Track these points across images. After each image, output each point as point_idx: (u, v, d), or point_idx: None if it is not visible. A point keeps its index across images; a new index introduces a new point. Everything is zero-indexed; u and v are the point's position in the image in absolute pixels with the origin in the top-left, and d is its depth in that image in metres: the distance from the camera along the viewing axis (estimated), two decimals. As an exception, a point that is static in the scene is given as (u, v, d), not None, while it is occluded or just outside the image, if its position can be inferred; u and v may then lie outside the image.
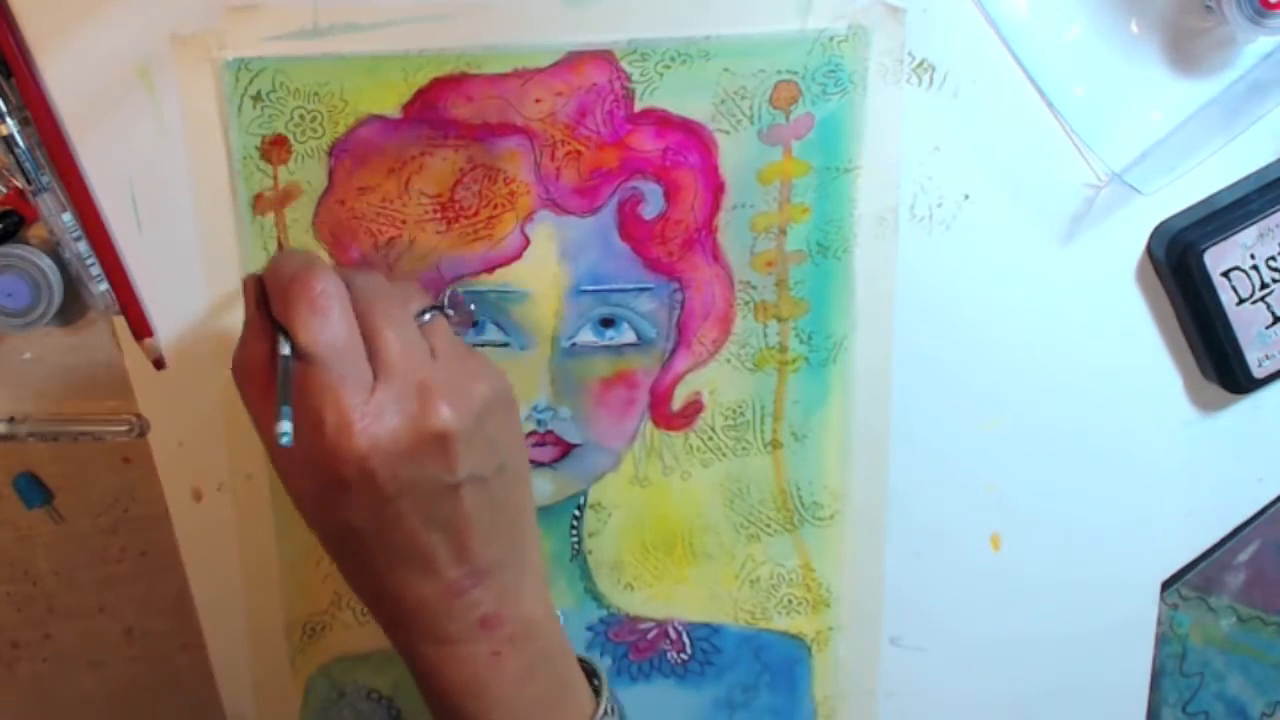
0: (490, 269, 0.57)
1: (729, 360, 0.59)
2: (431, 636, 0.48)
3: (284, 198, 0.56)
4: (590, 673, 0.53)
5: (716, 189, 0.56)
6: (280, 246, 0.56)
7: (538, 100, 0.55)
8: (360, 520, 0.45)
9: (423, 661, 0.48)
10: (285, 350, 0.44)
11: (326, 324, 0.44)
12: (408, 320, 0.47)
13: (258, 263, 0.56)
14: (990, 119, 0.56)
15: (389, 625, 0.49)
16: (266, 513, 0.60)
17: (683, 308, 0.58)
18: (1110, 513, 0.62)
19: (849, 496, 0.61)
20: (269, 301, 0.46)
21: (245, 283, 0.48)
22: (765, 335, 0.59)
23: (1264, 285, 0.57)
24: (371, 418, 0.44)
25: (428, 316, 0.48)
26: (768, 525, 0.61)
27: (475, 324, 0.55)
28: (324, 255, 0.56)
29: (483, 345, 0.58)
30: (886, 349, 0.59)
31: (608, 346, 0.58)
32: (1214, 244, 0.56)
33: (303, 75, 0.54)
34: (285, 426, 0.42)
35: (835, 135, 0.56)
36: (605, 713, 0.52)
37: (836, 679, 0.64)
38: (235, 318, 0.57)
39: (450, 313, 0.51)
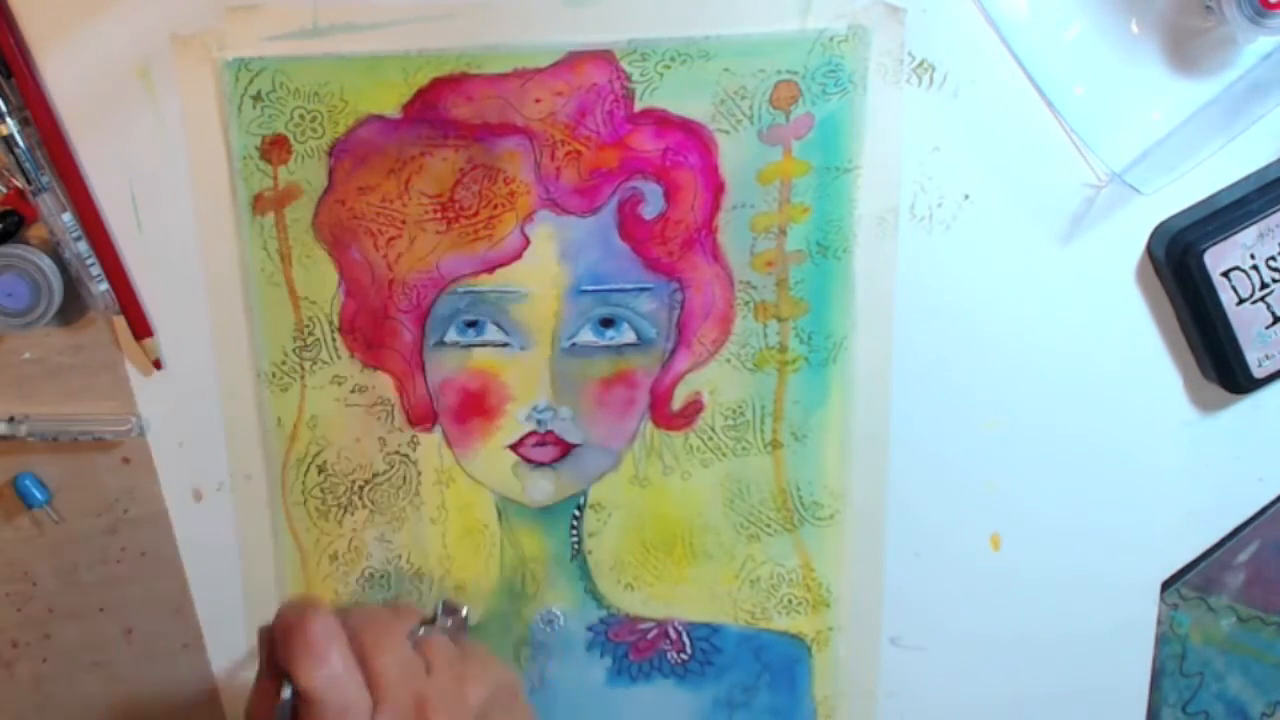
0: (490, 269, 0.57)
1: (729, 360, 0.59)
2: None
3: (284, 198, 0.56)
4: None
5: (716, 189, 0.56)
6: (281, 247, 0.56)
7: (538, 100, 0.55)
8: None
9: None
10: (286, 694, 0.47)
11: (323, 663, 0.47)
12: (401, 643, 0.49)
13: (257, 262, 0.57)
14: (990, 119, 0.56)
15: None
16: (266, 513, 0.60)
17: (683, 308, 0.58)
18: (1110, 513, 0.62)
19: (849, 496, 0.61)
20: (275, 654, 0.49)
21: (259, 633, 0.51)
22: (765, 335, 0.59)
23: (1264, 285, 0.57)
24: None
25: (422, 632, 0.51)
26: (768, 525, 0.61)
27: (466, 627, 0.58)
28: (324, 257, 0.56)
29: (483, 345, 0.58)
30: (886, 349, 0.59)
31: (608, 346, 0.58)
32: (1214, 244, 0.56)
33: (303, 75, 0.54)
34: None
35: (835, 135, 0.56)
36: None
37: (836, 679, 0.64)
38: (236, 317, 0.57)
39: (448, 622, 0.54)
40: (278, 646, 0.48)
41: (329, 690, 0.46)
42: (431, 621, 0.53)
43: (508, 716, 0.51)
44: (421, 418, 0.59)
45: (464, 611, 0.57)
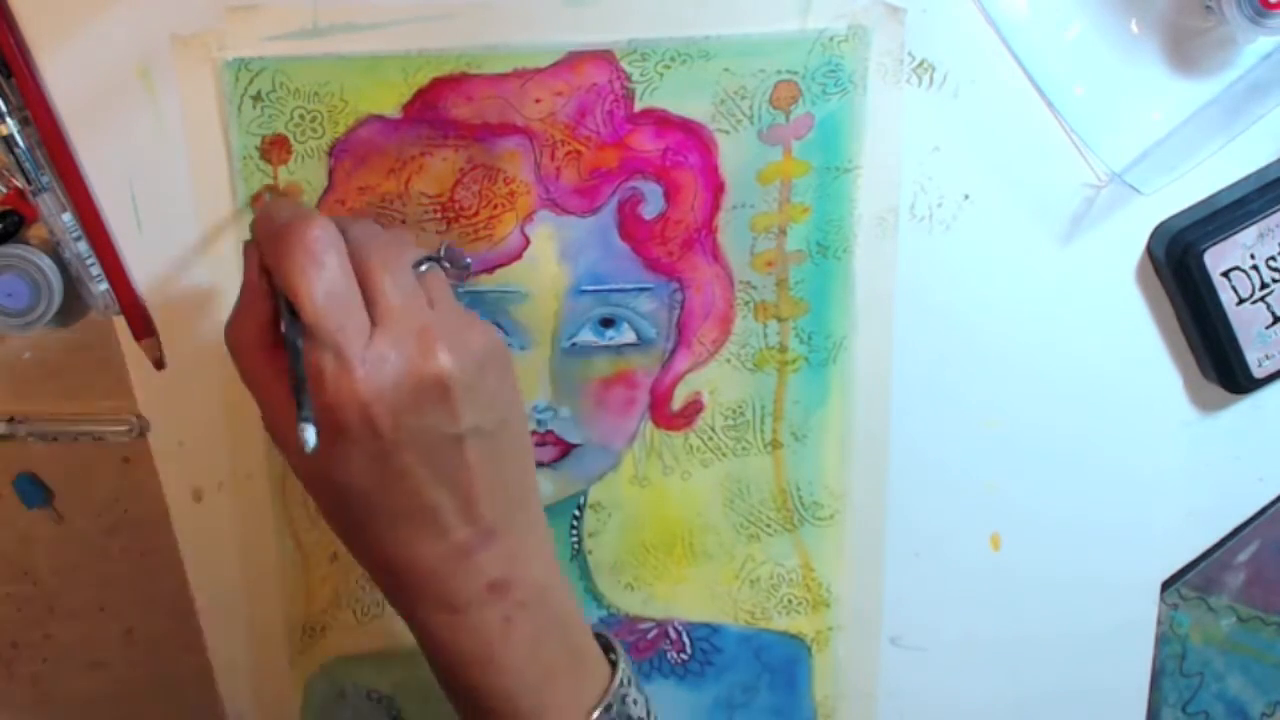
0: (490, 269, 0.57)
1: (729, 360, 0.59)
2: (439, 603, 0.46)
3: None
4: (607, 646, 0.51)
5: (716, 189, 0.56)
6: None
7: (538, 100, 0.55)
8: (362, 476, 0.44)
9: (430, 630, 0.46)
10: (293, 333, 0.42)
11: (324, 271, 0.42)
12: (405, 268, 0.45)
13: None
14: (990, 119, 0.56)
15: (393, 592, 0.47)
16: (266, 513, 0.60)
17: (683, 308, 0.58)
18: (1110, 513, 0.62)
19: (849, 496, 0.61)
20: (264, 256, 0.45)
21: (246, 248, 0.46)
22: (765, 335, 0.59)
23: (1264, 285, 0.58)
24: (372, 365, 0.42)
25: (424, 267, 0.47)
26: (768, 525, 0.61)
27: (470, 275, 0.53)
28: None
29: (483, 345, 0.58)
30: (886, 349, 0.59)
31: (608, 346, 0.58)
32: (1214, 244, 0.56)
33: (303, 75, 0.54)
34: (309, 433, 0.41)
35: (835, 135, 0.56)
36: (621, 684, 0.49)
37: (836, 679, 0.64)
38: (235, 318, 0.57)
39: (447, 265, 0.48)
40: (270, 247, 0.43)
41: (326, 303, 0.42)
42: (436, 260, 0.48)
43: (504, 376, 0.47)
44: (421, 418, 0.59)
45: (468, 261, 0.52)
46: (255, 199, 0.55)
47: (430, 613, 0.46)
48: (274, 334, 0.45)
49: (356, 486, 0.44)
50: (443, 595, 0.46)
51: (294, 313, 0.43)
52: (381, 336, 0.43)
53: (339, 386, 0.42)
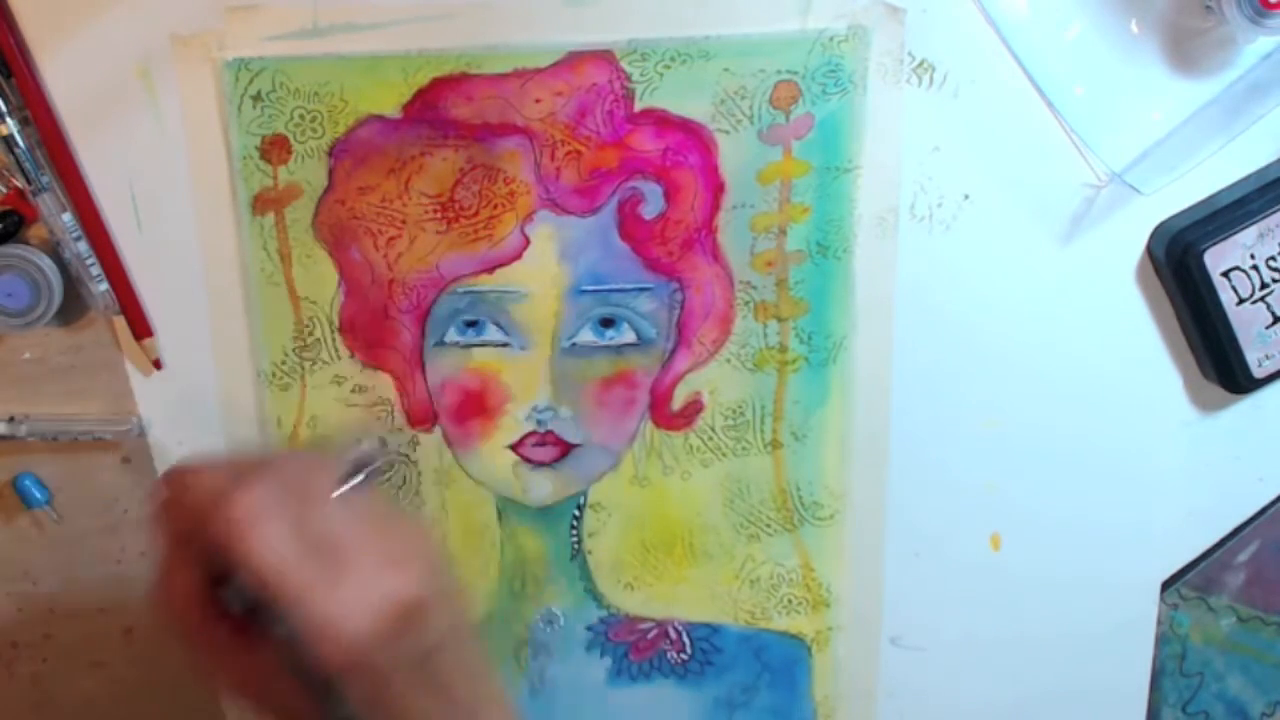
0: (490, 269, 0.57)
1: (729, 360, 0.59)
2: None
3: (284, 198, 0.56)
4: None
5: (716, 189, 0.56)
6: (281, 246, 0.56)
7: (538, 100, 0.55)
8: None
9: None
10: (278, 629, 0.41)
11: (274, 542, 0.41)
12: (334, 506, 0.44)
13: (257, 262, 0.56)
14: (990, 119, 0.56)
15: None
16: (266, 513, 0.60)
17: (683, 308, 0.58)
18: (1110, 513, 0.62)
19: (849, 496, 0.61)
20: (185, 531, 0.43)
21: (155, 515, 0.45)
22: (765, 335, 0.59)
23: (1264, 285, 0.57)
24: (347, 614, 0.42)
25: (339, 491, 0.45)
26: (768, 525, 0.61)
27: (391, 466, 0.51)
28: (324, 257, 0.56)
29: (483, 345, 0.58)
30: (886, 349, 0.59)
31: (608, 346, 0.58)
32: (1214, 244, 0.56)
33: (303, 75, 0.54)
34: None
35: (835, 135, 0.56)
36: None
37: (836, 679, 0.64)
38: (236, 317, 0.57)
39: (361, 475, 0.46)
40: (200, 533, 0.42)
41: (285, 573, 0.41)
42: (347, 477, 0.45)
43: (441, 565, 0.46)
44: (421, 418, 0.59)
45: (378, 452, 0.47)
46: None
47: None
48: (205, 591, 0.44)
49: None
50: None
51: (238, 588, 0.42)
52: (346, 583, 0.42)
53: (323, 646, 0.42)
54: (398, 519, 0.47)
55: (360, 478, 0.46)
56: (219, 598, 0.43)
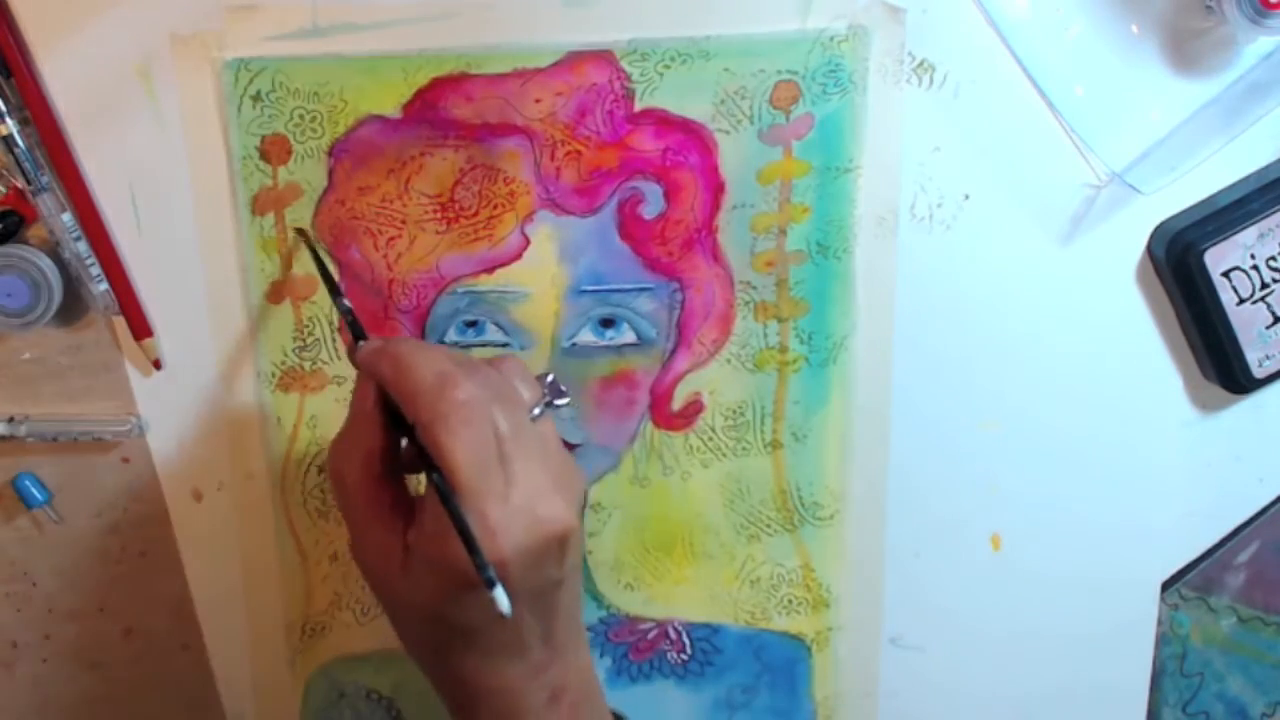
0: (490, 269, 0.57)
1: (729, 360, 0.59)
2: (506, 713, 0.48)
3: (284, 198, 0.56)
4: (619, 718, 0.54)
5: (716, 189, 0.56)
6: (281, 246, 0.56)
7: (538, 100, 0.55)
8: (475, 618, 0.46)
9: None
10: (444, 490, 0.44)
11: (474, 437, 0.44)
12: (527, 424, 0.47)
13: (257, 262, 0.57)
14: (990, 119, 0.56)
15: (461, 708, 0.49)
16: (266, 513, 0.60)
17: (683, 308, 0.58)
18: (1110, 513, 0.62)
19: (849, 497, 0.61)
20: (391, 402, 0.46)
21: (360, 379, 0.48)
22: (765, 335, 0.59)
23: (1264, 285, 0.57)
24: (508, 526, 0.44)
25: (537, 411, 0.48)
26: (768, 525, 0.61)
27: (565, 400, 0.54)
28: (325, 256, 0.56)
29: (483, 345, 0.58)
30: (886, 349, 0.59)
31: (608, 346, 0.58)
32: (1214, 244, 0.56)
33: (302, 75, 0.54)
34: (503, 600, 0.41)
35: (835, 135, 0.56)
36: None
37: (836, 679, 0.64)
38: (236, 317, 0.57)
39: (553, 402, 0.50)
40: (413, 405, 0.45)
41: (474, 468, 0.43)
42: (546, 404, 0.49)
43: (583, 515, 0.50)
44: (421, 418, 0.59)
45: (564, 389, 0.53)
46: (295, 238, 0.56)
47: None
48: (381, 465, 0.47)
49: (464, 625, 0.46)
50: (510, 708, 0.48)
51: (431, 464, 0.44)
52: (515, 496, 0.45)
53: (482, 548, 0.43)
54: (563, 451, 0.49)
55: (554, 403, 0.50)
56: (391, 466, 0.47)
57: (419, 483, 0.49)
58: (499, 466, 0.45)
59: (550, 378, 0.52)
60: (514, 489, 0.45)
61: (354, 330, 0.50)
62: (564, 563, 0.46)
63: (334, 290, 0.52)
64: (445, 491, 0.43)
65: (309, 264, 0.56)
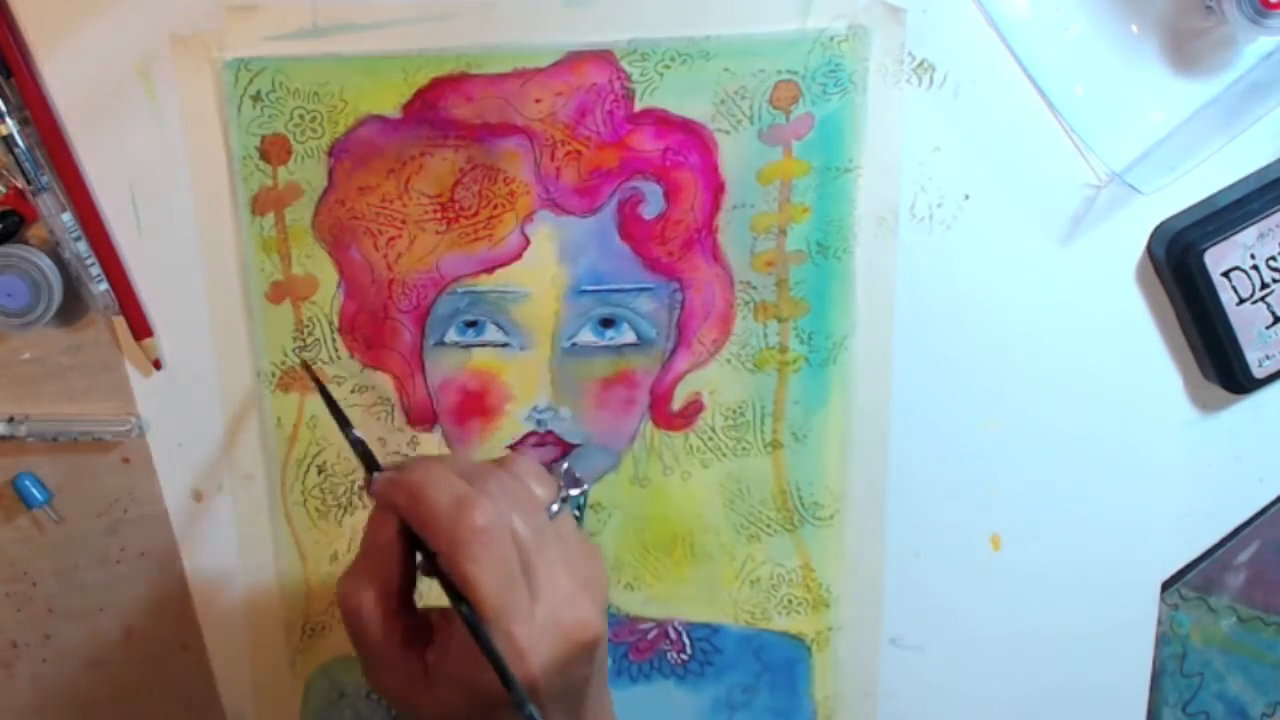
0: (490, 269, 0.57)
1: (729, 360, 0.59)
2: None
3: (284, 198, 0.56)
4: None
5: (716, 189, 0.56)
6: (281, 246, 0.56)
7: (538, 100, 0.55)
8: None
9: None
10: (471, 619, 0.43)
11: (497, 560, 0.43)
12: (546, 527, 0.46)
13: (257, 262, 0.56)
14: (990, 119, 0.56)
15: None
16: (266, 513, 0.60)
17: (683, 308, 0.58)
18: (1110, 513, 0.62)
19: (849, 497, 0.61)
20: (411, 531, 0.45)
21: (376, 511, 0.46)
22: (765, 335, 0.59)
23: (1264, 285, 0.57)
24: (536, 643, 0.43)
25: (555, 508, 0.47)
26: (768, 525, 0.61)
27: (582, 489, 0.53)
28: (324, 257, 0.56)
29: (483, 345, 0.58)
30: (886, 349, 0.59)
31: (608, 346, 0.58)
32: (1214, 244, 0.56)
33: (302, 75, 0.54)
34: (534, 714, 0.41)
35: (835, 135, 0.56)
36: None
37: (836, 679, 0.64)
38: (236, 317, 0.57)
39: (569, 493, 0.49)
40: (433, 532, 0.43)
41: (500, 592, 0.42)
42: (563, 499, 0.47)
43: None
44: (421, 418, 0.59)
45: (580, 476, 0.52)
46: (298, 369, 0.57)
47: None
48: (398, 600, 0.45)
49: None
50: None
51: (456, 593, 0.43)
52: (541, 611, 0.44)
53: (514, 670, 0.42)
54: (584, 543, 0.48)
55: (570, 494, 0.48)
56: (408, 598, 0.45)
57: (427, 586, 0.48)
58: (523, 581, 0.43)
59: (565, 466, 0.51)
60: (539, 604, 0.44)
61: (367, 463, 0.48)
62: (592, 663, 0.46)
63: (343, 423, 0.51)
64: (473, 622, 0.42)
65: (309, 264, 0.57)
